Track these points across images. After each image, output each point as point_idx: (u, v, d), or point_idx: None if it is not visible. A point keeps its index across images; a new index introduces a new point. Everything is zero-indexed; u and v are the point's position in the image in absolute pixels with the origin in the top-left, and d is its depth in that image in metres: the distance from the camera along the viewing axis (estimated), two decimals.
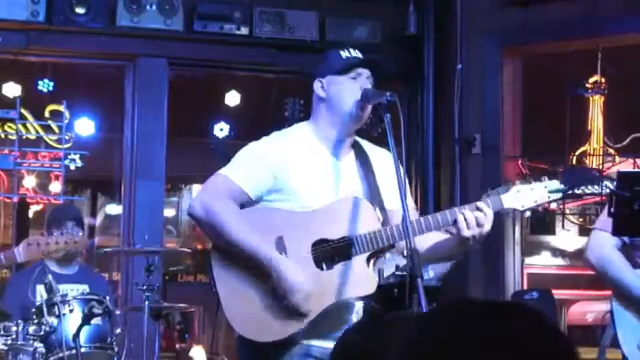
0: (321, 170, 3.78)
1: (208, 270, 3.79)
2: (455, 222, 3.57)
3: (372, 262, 3.68)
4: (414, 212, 3.80)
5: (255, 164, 3.75)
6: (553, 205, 8.33)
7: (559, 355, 1.54)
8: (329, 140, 3.82)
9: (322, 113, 3.84)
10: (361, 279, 3.62)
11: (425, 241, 3.70)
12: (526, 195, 3.67)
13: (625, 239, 4.67)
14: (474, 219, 3.54)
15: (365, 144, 3.94)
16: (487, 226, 3.57)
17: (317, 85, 3.85)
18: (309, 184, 3.73)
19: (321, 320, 3.62)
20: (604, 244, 4.68)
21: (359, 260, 3.65)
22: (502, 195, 3.65)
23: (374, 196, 3.78)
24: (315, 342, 3.66)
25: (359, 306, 3.74)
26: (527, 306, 1.59)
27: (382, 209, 3.76)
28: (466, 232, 3.56)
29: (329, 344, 3.57)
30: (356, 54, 3.88)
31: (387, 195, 3.76)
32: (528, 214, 5.86)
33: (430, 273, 5.25)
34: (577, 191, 3.85)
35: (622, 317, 4.65)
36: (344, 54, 3.86)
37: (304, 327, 3.61)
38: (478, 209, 3.58)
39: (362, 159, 3.85)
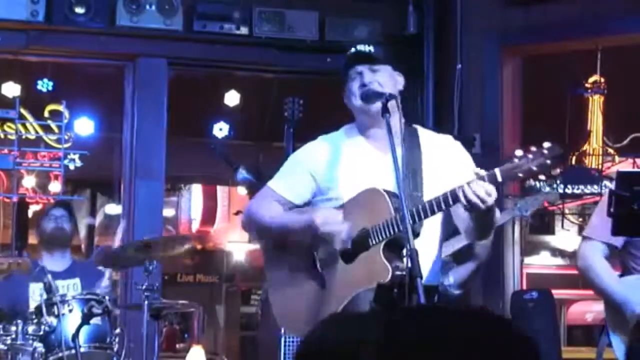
0: (361, 166, 3.85)
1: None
2: (456, 197, 3.54)
3: (397, 250, 3.67)
4: None
5: (294, 171, 3.94)
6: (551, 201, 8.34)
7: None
8: (370, 136, 3.88)
9: (354, 114, 3.93)
10: (377, 268, 3.67)
11: (461, 223, 3.78)
12: (522, 165, 3.55)
13: (616, 244, 4.70)
14: (473, 193, 3.49)
15: (423, 133, 3.95)
16: (489, 197, 3.50)
17: (344, 96, 3.93)
18: (347, 181, 3.82)
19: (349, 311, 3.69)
20: (591, 253, 4.75)
21: (376, 250, 3.71)
22: (497, 169, 3.56)
23: (410, 185, 3.73)
24: None
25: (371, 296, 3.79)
26: (491, 311, 1.61)
27: (417, 197, 3.73)
28: (465, 202, 3.52)
29: None
30: (355, 49, 3.93)
31: (437, 181, 3.74)
32: (529, 212, 5.84)
33: (450, 279, 5.22)
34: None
35: (613, 323, 4.68)
36: (345, 58, 3.93)
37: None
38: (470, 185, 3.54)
39: (412, 149, 3.83)
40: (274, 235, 3.90)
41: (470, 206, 3.52)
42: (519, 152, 3.57)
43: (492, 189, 3.52)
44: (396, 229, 3.64)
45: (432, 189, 3.75)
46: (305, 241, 3.79)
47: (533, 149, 3.57)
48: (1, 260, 4.34)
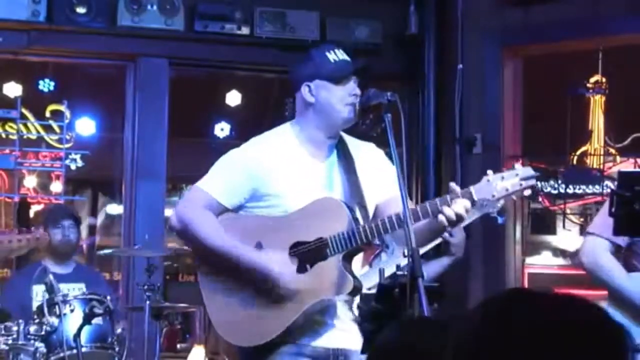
0: (302, 174, 3.77)
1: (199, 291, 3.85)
2: (435, 216, 3.57)
3: (353, 260, 3.72)
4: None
5: (232, 174, 3.78)
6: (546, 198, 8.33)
7: (613, 346, 1.53)
8: (312, 142, 3.82)
9: (310, 116, 3.83)
10: (337, 279, 3.64)
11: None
12: (496, 185, 3.61)
13: (621, 243, 4.69)
14: (454, 213, 3.53)
15: (350, 141, 3.93)
16: (466, 213, 3.57)
17: (304, 89, 3.82)
18: (290, 189, 3.74)
19: (304, 321, 3.67)
20: (597, 249, 4.72)
21: (334, 261, 3.66)
22: (472, 187, 3.61)
23: (355, 195, 3.79)
24: (306, 342, 3.70)
25: (340, 306, 3.78)
26: (578, 297, 1.58)
27: (363, 207, 3.77)
28: (448, 228, 3.65)
29: (319, 343, 3.71)
30: (342, 56, 3.84)
31: (373, 190, 3.77)
32: (501, 220, 5.85)
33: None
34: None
35: (620, 319, 4.67)
36: (331, 56, 3.81)
37: (285, 329, 3.65)
38: (450, 202, 3.57)
39: (345, 157, 3.85)
40: (210, 254, 3.71)
41: (448, 222, 3.55)
42: (490, 174, 3.64)
43: (469, 205, 3.57)
44: (358, 241, 3.64)
45: (370, 198, 3.79)
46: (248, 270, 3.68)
47: (505, 171, 3.64)
48: (19, 237, 4.29)
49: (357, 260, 3.82)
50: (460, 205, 3.54)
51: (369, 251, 4.51)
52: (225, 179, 3.78)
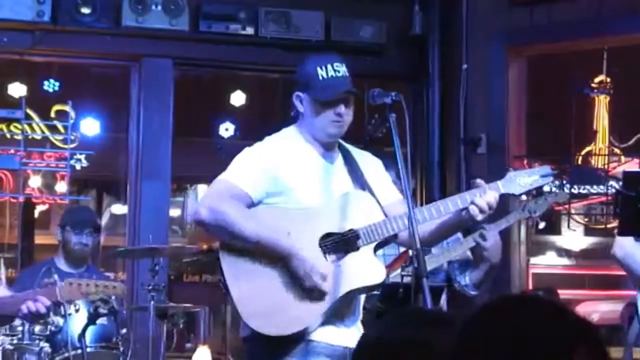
0: (315, 171, 3.83)
1: (218, 271, 3.81)
2: (465, 209, 3.70)
3: (379, 252, 3.80)
4: (403, 204, 3.81)
5: (254, 167, 3.78)
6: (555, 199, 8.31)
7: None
8: (316, 144, 3.87)
9: (303, 123, 3.88)
10: (370, 268, 3.70)
11: (429, 224, 3.80)
12: (520, 180, 3.84)
13: None
14: (486, 203, 3.68)
15: (351, 147, 4.00)
16: (495, 203, 3.74)
17: (295, 98, 3.86)
18: (305, 184, 3.78)
19: (334, 311, 3.69)
20: (628, 242, 4.80)
21: (366, 251, 3.72)
22: (499, 182, 3.80)
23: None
24: (324, 338, 3.70)
25: (357, 304, 3.84)
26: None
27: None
28: (480, 217, 3.71)
29: (337, 341, 3.70)
30: (334, 72, 3.81)
31: (378, 193, 3.85)
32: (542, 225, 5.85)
33: (467, 279, 5.19)
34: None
35: None
36: (321, 73, 3.79)
37: (319, 318, 3.66)
38: (481, 193, 3.72)
39: (350, 161, 3.93)
40: (241, 242, 3.71)
41: (480, 211, 3.67)
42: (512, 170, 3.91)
43: (498, 197, 3.74)
44: (390, 233, 3.71)
45: (381, 197, 3.87)
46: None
47: (527, 169, 3.86)
48: (98, 283, 4.26)
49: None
50: (490, 196, 3.69)
51: (403, 257, 4.50)
52: (248, 171, 3.78)
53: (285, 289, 3.68)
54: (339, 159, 3.92)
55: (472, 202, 3.67)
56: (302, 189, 3.77)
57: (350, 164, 3.91)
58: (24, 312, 3.98)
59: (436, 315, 2.02)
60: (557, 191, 5.03)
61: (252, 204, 3.75)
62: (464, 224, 3.90)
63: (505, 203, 3.85)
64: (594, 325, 1.63)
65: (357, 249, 3.72)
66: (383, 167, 4.04)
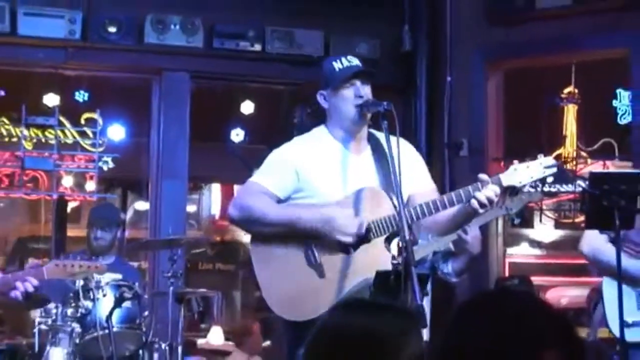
0: (339, 166, 3.79)
1: (251, 266, 3.80)
2: (469, 201, 3.61)
3: (392, 242, 3.70)
4: (435, 193, 3.83)
5: (277, 166, 3.79)
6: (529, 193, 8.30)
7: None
8: (342, 139, 3.84)
9: (330, 119, 3.88)
10: (381, 259, 3.64)
11: (442, 214, 3.74)
12: (522, 173, 3.68)
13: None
14: (486, 197, 3.58)
15: (381, 136, 3.88)
16: (495, 198, 3.62)
17: (320, 97, 3.88)
18: (328, 180, 3.76)
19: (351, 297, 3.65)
20: (596, 239, 4.79)
21: (377, 243, 3.68)
22: (501, 175, 3.68)
23: (390, 185, 3.71)
24: None
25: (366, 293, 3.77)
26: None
27: (399, 195, 3.74)
28: (481, 210, 3.62)
29: None
30: (348, 62, 3.84)
31: (406, 182, 3.69)
32: (517, 221, 5.78)
33: (449, 267, 5.18)
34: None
35: (611, 299, 4.68)
36: (337, 65, 3.83)
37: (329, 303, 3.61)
38: (483, 187, 3.61)
39: (379, 151, 3.84)
40: (277, 227, 3.70)
41: (480, 205, 3.59)
42: (516, 163, 3.69)
43: (498, 191, 3.62)
44: (397, 224, 3.64)
45: (404, 188, 3.72)
46: (311, 234, 3.69)
47: (530, 161, 3.67)
48: (81, 264, 4.22)
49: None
50: (490, 190, 3.59)
51: None
52: (274, 173, 3.79)
53: (305, 278, 3.67)
54: (367, 150, 3.84)
55: (473, 196, 3.59)
56: (324, 185, 3.75)
57: (379, 154, 3.82)
58: (15, 292, 3.89)
59: (381, 304, 1.89)
60: (532, 191, 5.05)
61: (279, 201, 3.76)
62: (471, 216, 3.78)
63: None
64: (570, 326, 1.57)
65: (369, 240, 3.69)
66: (417, 155, 3.95)
